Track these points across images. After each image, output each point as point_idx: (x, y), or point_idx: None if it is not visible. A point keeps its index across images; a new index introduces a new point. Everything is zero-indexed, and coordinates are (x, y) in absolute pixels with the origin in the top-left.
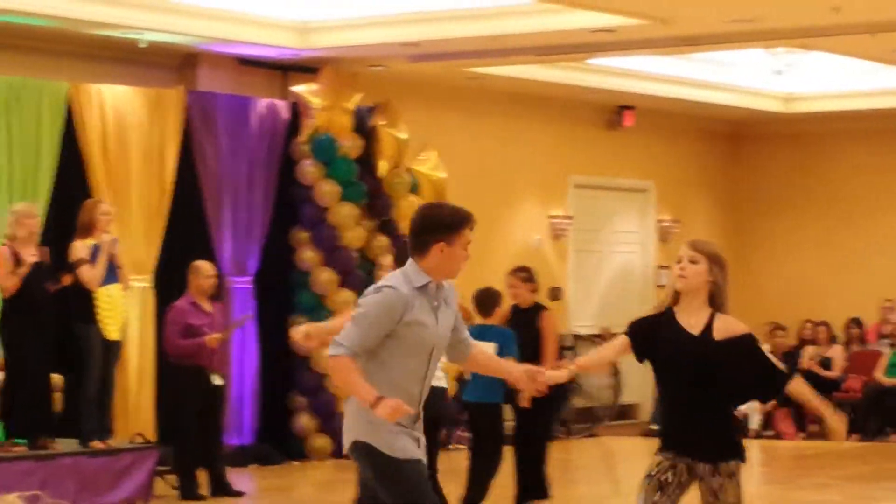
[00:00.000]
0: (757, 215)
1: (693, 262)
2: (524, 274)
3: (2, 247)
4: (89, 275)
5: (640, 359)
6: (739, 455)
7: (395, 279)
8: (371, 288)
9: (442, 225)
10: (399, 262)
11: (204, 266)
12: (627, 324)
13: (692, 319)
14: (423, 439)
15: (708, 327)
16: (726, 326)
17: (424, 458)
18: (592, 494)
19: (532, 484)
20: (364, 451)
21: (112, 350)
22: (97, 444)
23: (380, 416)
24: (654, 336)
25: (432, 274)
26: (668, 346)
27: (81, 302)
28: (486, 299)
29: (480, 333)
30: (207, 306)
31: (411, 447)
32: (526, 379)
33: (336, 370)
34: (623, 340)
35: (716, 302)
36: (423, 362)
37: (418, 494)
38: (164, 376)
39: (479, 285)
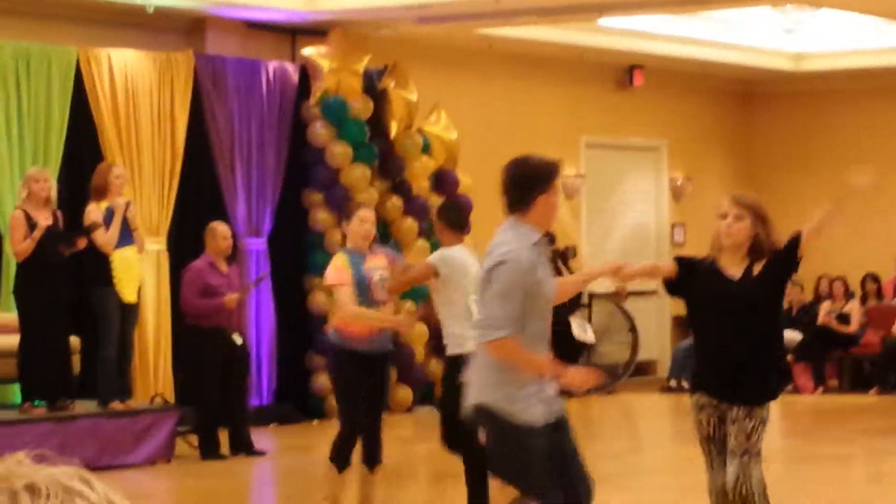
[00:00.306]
0: (769, 172)
1: (739, 218)
2: None
3: (15, 211)
4: (104, 238)
5: (674, 291)
6: (775, 396)
7: (512, 243)
8: (494, 257)
9: (542, 177)
10: (447, 222)
11: (220, 227)
12: (676, 255)
13: (733, 270)
14: (558, 403)
15: (747, 271)
16: (762, 263)
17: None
18: (611, 451)
19: None
20: (488, 416)
21: (129, 312)
22: (117, 406)
23: (571, 384)
24: (695, 276)
25: (538, 227)
26: (708, 290)
27: (97, 265)
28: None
29: None
30: (224, 267)
31: (539, 414)
32: (612, 270)
33: (503, 353)
34: (671, 265)
35: (755, 253)
36: (546, 320)
37: (533, 469)
38: (183, 337)
39: None
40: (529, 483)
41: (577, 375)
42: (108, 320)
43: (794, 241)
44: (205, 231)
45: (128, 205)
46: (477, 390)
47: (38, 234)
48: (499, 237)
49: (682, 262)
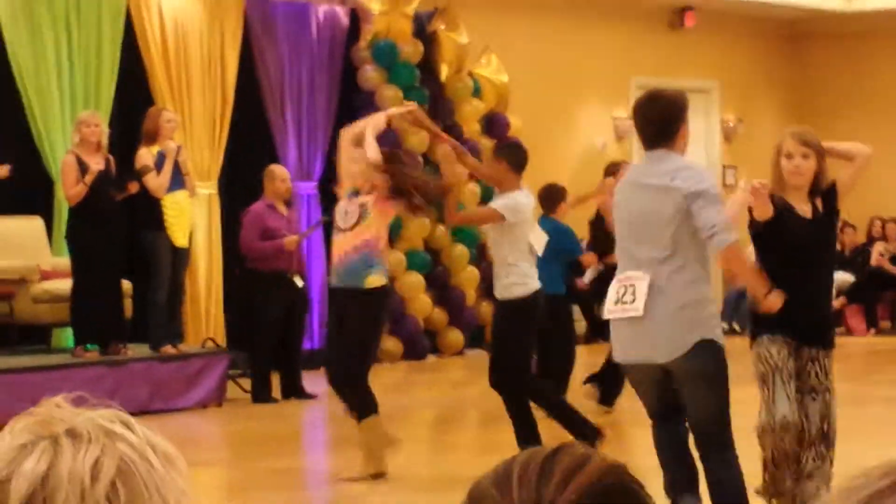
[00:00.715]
0: (821, 114)
1: (806, 157)
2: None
3: (67, 156)
4: (155, 182)
5: (758, 233)
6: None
7: (690, 159)
8: (694, 173)
9: (681, 109)
10: (511, 164)
11: (279, 170)
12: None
13: (804, 206)
14: None
15: (815, 210)
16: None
17: None
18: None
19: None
20: (712, 351)
21: (180, 256)
22: (168, 350)
23: (769, 307)
24: (780, 218)
25: (682, 155)
26: (789, 230)
27: (148, 209)
28: (550, 195)
29: (540, 225)
30: (283, 209)
31: None
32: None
33: (733, 258)
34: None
35: (816, 191)
36: None
37: (728, 401)
38: (243, 280)
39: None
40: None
41: (774, 299)
42: (159, 264)
43: (835, 192)
44: (263, 174)
45: (179, 149)
46: (700, 325)
47: (89, 178)
48: (668, 164)
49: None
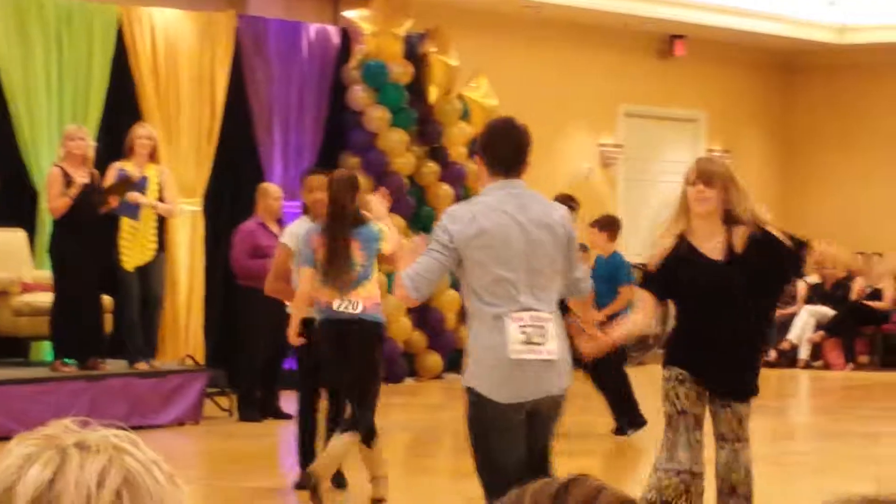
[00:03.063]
0: (808, 146)
1: (707, 184)
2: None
3: (53, 168)
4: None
5: (664, 300)
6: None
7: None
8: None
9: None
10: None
11: (272, 188)
12: (642, 275)
13: (713, 243)
14: None
15: (729, 247)
16: (741, 235)
17: None
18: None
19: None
20: None
21: (146, 274)
22: (141, 367)
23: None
24: (674, 275)
25: None
26: (694, 278)
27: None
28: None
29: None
30: (275, 228)
31: None
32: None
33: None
34: (647, 297)
35: (731, 219)
36: None
37: None
38: (234, 298)
39: None
40: None
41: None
42: (124, 281)
43: (801, 252)
44: (255, 191)
45: (144, 179)
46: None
47: (74, 191)
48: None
49: (650, 281)
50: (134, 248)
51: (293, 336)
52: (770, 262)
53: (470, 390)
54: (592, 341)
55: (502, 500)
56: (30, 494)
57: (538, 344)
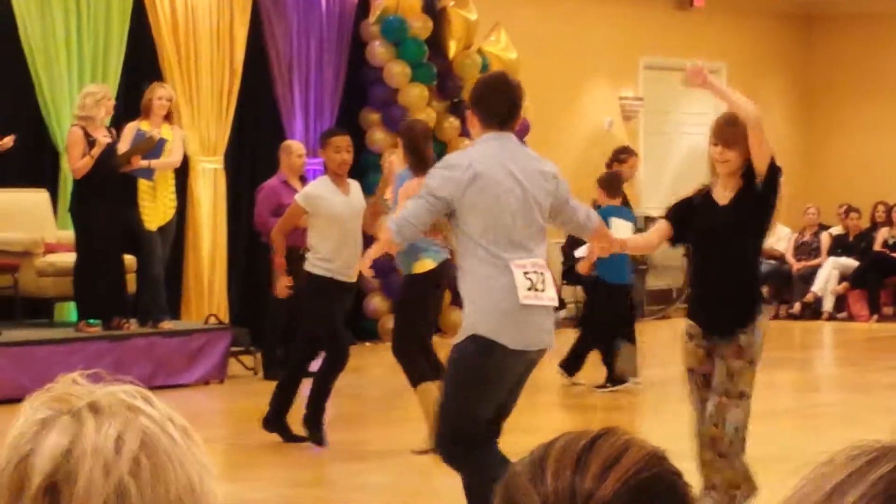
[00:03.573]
0: (830, 96)
1: (727, 144)
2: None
3: (74, 128)
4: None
5: (676, 243)
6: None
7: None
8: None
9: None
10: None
11: (296, 145)
12: (666, 208)
13: (725, 192)
14: None
15: (739, 195)
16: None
17: None
18: (665, 376)
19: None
20: None
21: (163, 236)
22: (167, 325)
23: None
24: (690, 220)
25: None
26: (700, 220)
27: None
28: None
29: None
30: (298, 185)
31: None
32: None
33: None
34: (663, 225)
35: (752, 170)
36: None
37: None
38: (257, 256)
39: None
40: None
41: None
42: (146, 241)
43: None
44: (278, 148)
45: (162, 141)
46: None
47: (97, 151)
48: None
49: (671, 215)
50: (156, 208)
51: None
52: (755, 204)
53: (474, 338)
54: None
55: (524, 458)
56: (48, 465)
57: (541, 290)
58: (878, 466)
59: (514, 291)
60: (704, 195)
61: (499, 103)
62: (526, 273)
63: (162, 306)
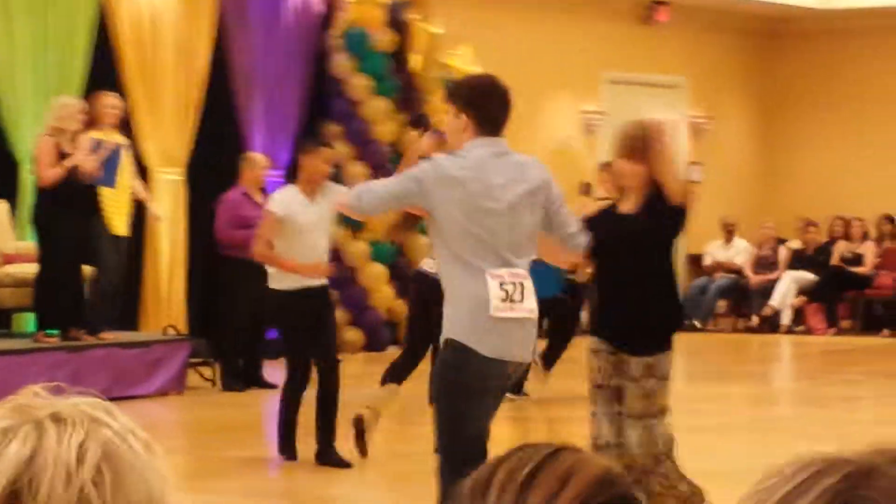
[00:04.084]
0: (790, 111)
1: (629, 158)
2: None
3: (46, 137)
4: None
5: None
6: (666, 346)
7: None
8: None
9: None
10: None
11: (259, 157)
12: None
13: (630, 205)
14: None
15: (639, 207)
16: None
17: None
18: None
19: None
20: None
21: (120, 243)
22: (106, 336)
23: None
24: (596, 219)
25: None
26: (604, 231)
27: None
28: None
29: None
30: (259, 198)
31: None
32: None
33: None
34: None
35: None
36: None
37: None
38: (218, 268)
39: None
40: None
41: None
42: (99, 251)
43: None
44: (240, 160)
45: (119, 148)
46: None
47: (69, 162)
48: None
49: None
50: (120, 211)
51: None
52: (659, 219)
53: (450, 343)
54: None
55: (472, 476)
56: (10, 473)
57: (517, 301)
58: (825, 478)
59: (485, 302)
60: (610, 206)
61: (496, 107)
62: (503, 284)
63: (109, 316)
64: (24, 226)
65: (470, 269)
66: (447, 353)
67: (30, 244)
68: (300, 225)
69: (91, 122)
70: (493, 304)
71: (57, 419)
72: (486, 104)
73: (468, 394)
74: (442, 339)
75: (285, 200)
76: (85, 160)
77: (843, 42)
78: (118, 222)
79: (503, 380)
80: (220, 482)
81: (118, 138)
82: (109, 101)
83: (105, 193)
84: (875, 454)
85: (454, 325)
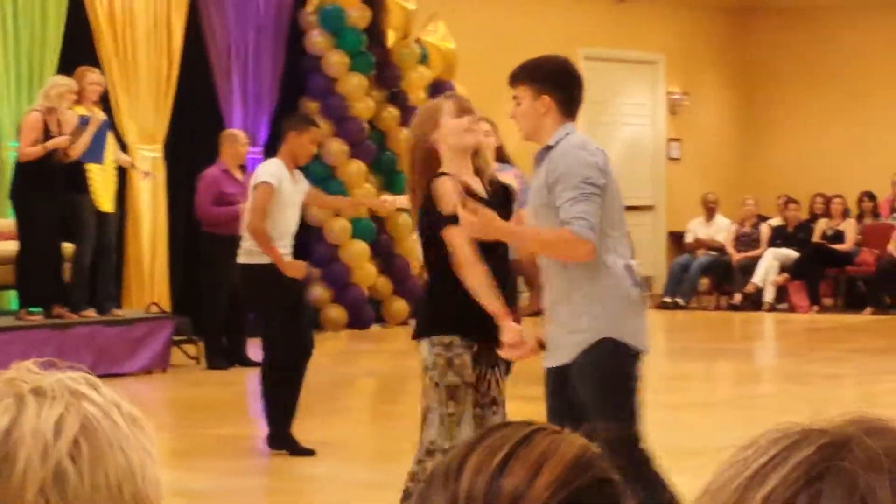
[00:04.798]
0: (768, 88)
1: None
2: None
3: (34, 112)
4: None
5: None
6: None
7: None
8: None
9: None
10: None
11: (240, 134)
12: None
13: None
14: None
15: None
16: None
17: None
18: None
19: None
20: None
21: (107, 220)
22: (88, 314)
23: None
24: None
25: None
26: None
27: (71, 172)
28: None
29: None
30: (239, 174)
31: None
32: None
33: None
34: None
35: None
36: None
37: None
38: (198, 245)
39: None
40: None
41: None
42: (83, 227)
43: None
44: (219, 137)
45: (104, 122)
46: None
47: (52, 144)
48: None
49: None
50: (107, 187)
51: None
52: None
53: (610, 341)
54: None
55: (445, 460)
56: None
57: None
58: (800, 449)
59: (636, 292)
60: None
61: (578, 90)
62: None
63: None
64: (4, 202)
65: (623, 262)
66: (606, 350)
67: (9, 222)
68: (285, 199)
69: (75, 99)
70: (642, 292)
71: (38, 393)
72: (570, 85)
73: (634, 386)
74: (590, 339)
75: (276, 173)
76: (66, 141)
77: (822, 18)
78: (104, 199)
79: None
80: (205, 460)
81: (100, 115)
82: (92, 78)
83: (92, 170)
84: (849, 424)
85: (611, 323)
